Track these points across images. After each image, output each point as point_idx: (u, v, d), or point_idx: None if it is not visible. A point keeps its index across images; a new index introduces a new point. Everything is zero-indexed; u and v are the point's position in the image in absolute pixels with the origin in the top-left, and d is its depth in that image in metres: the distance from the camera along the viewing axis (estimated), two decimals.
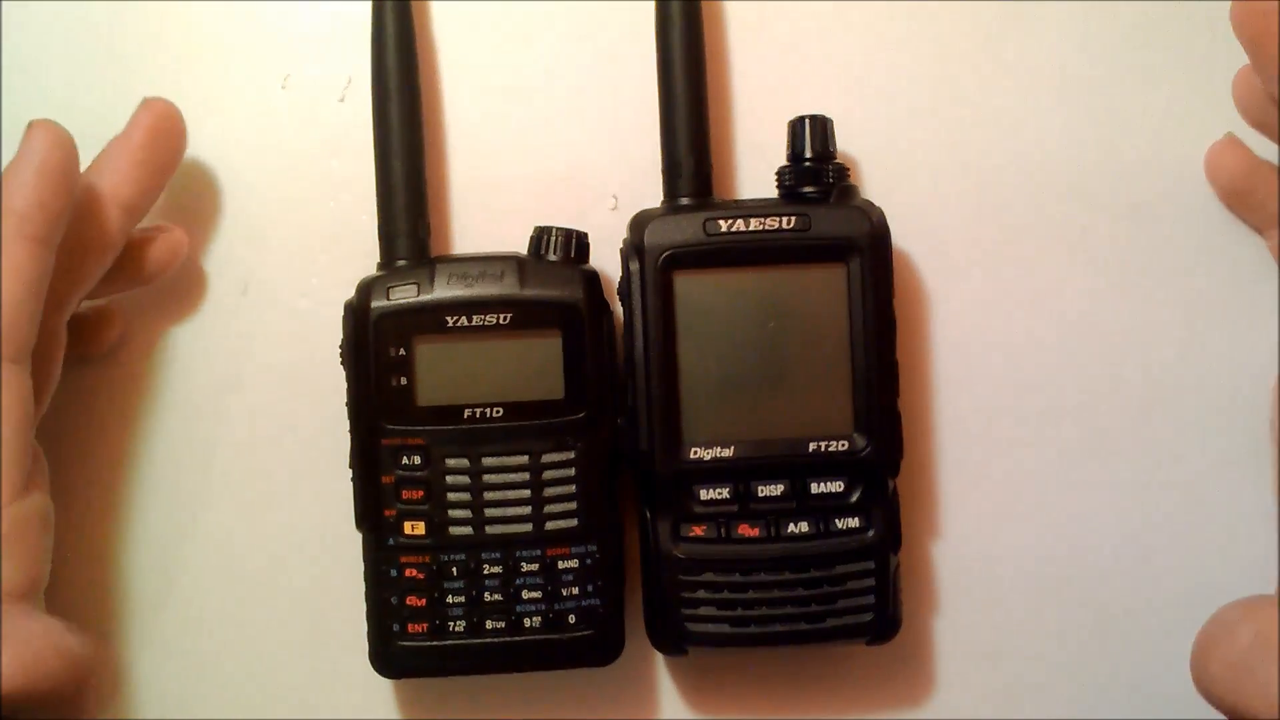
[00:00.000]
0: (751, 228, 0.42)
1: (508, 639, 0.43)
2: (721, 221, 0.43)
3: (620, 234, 0.44)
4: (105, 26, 0.47)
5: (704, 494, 0.43)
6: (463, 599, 0.43)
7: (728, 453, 0.43)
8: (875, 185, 0.46)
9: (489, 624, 0.43)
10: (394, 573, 0.43)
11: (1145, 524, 0.47)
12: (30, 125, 0.40)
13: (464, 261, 0.43)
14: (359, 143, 0.45)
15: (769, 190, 0.44)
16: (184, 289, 0.46)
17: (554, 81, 0.47)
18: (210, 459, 0.46)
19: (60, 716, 0.37)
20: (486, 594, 0.43)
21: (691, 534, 0.43)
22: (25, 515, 0.39)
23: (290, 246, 0.46)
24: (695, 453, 0.43)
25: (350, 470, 0.43)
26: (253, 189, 0.46)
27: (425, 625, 0.43)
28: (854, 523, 0.43)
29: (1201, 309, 0.47)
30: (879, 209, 0.43)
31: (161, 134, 0.44)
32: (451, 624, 0.43)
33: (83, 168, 0.42)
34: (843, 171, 0.44)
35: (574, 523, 0.43)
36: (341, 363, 0.43)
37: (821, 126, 0.44)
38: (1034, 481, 0.47)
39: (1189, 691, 0.46)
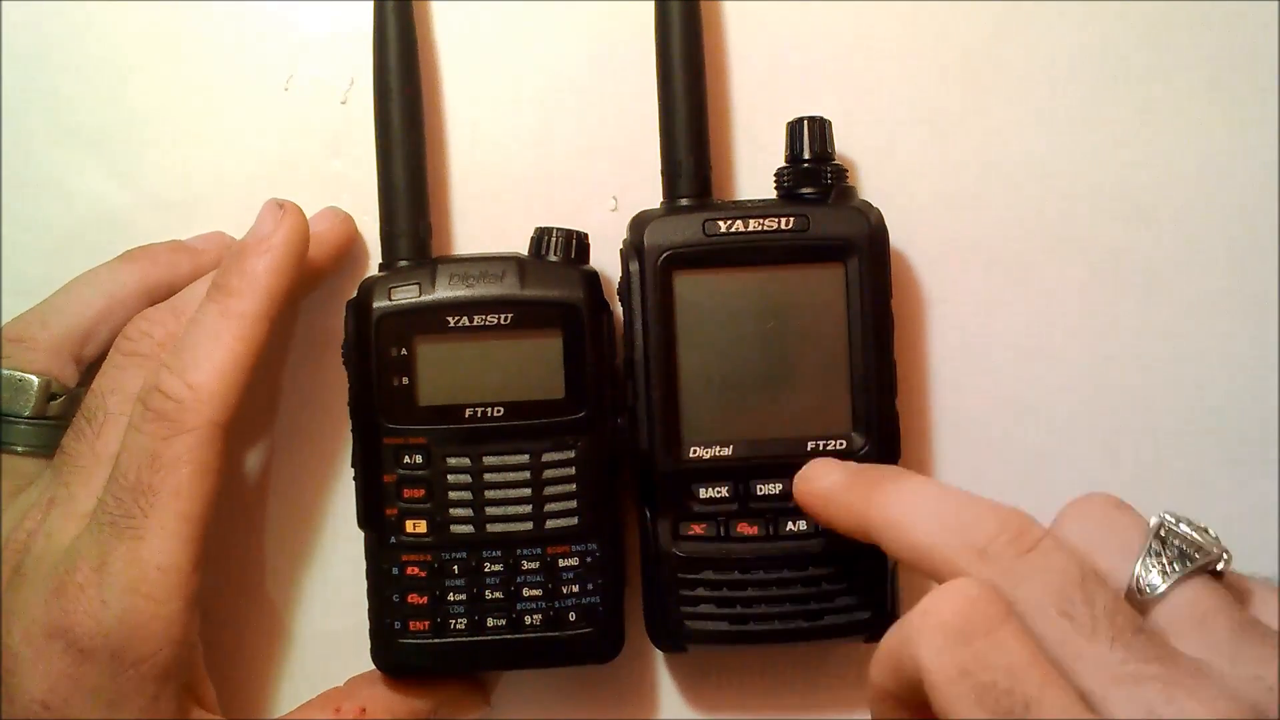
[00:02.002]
0: (750, 228, 0.43)
1: (508, 636, 0.43)
2: (721, 222, 0.43)
3: (620, 234, 0.44)
4: (106, 27, 0.47)
5: (703, 493, 0.43)
6: (464, 597, 0.43)
7: (727, 452, 0.43)
8: (873, 186, 0.46)
9: (490, 621, 0.43)
10: (395, 571, 0.43)
11: None
12: (283, 208, 0.42)
13: (465, 262, 0.43)
14: (361, 143, 0.45)
15: (768, 191, 0.45)
16: None
17: (554, 81, 0.47)
18: None
19: None
20: (487, 592, 0.43)
21: (691, 532, 0.43)
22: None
23: None
24: (695, 452, 0.43)
25: (352, 469, 0.43)
26: (255, 190, 0.47)
27: (427, 623, 0.43)
28: None
29: (1201, 309, 0.47)
30: (877, 210, 0.43)
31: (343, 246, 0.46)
32: (453, 621, 0.43)
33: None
34: (841, 172, 0.44)
35: (574, 521, 0.43)
36: (343, 363, 0.43)
37: (820, 128, 0.44)
38: (1031, 481, 0.47)
39: None
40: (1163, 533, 0.32)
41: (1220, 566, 0.32)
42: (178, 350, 0.40)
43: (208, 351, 0.40)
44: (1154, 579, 0.31)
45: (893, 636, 0.33)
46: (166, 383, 0.39)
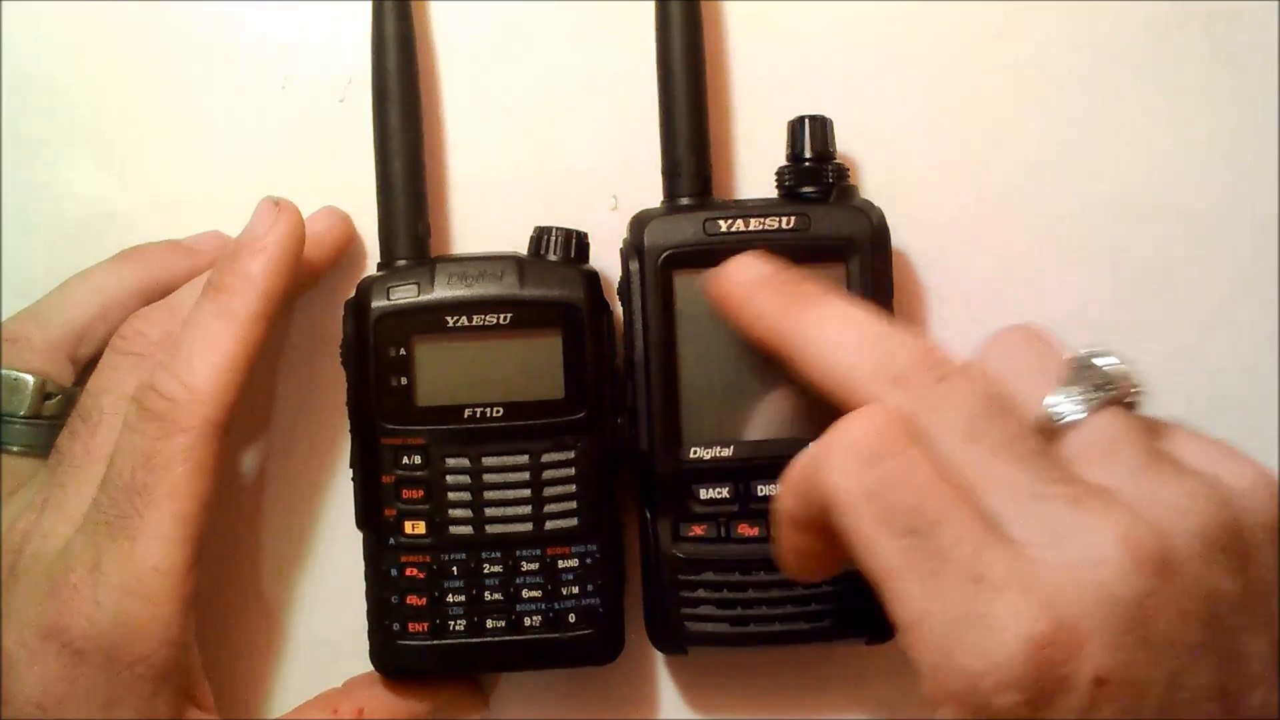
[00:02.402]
0: (751, 228, 0.43)
1: (508, 638, 0.43)
2: (721, 221, 0.43)
3: (620, 234, 0.44)
4: (105, 27, 0.47)
5: (704, 493, 0.43)
6: (463, 598, 0.43)
7: (727, 452, 0.43)
8: (875, 185, 0.46)
9: (489, 623, 0.43)
10: (394, 572, 0.43)
11: None
12: (278, 206, 0.42)
13: (464, 261, 0.43)
14: (359, 143, 0.45)
15: (768, 190, 0.44)
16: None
17: (554, 81, 0.47)
18: None
19: None
20: (487, 593, 0.43)
21: (691, 533, 0.43)
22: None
23: None
24: (695, 452, 0.43)
25: (350, 470, 0.43)
26: (253, 190, 0.46)
27: (426, 624, 0.43)
28: None
29: (1202, 308, 0.47)
30: (878, 209, 0.43)
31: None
32: (452, 623, 0.43)
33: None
34: (842, 171, 0.44)
35: (574, 522, 0.43)
36: (342, 363, 0.43)
37: (821, 127, 0.44)
38: None
39: None
40: (1079, 363, 0.32)
41: (1133, 399, 0.32)
42: (173, 349, 0.40)
43: (203, 351, 0.40)
44: (1066, 407, 0.32)
45: (802, 461, 0.33)
46: (162, 382, 0.39)
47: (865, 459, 0.31)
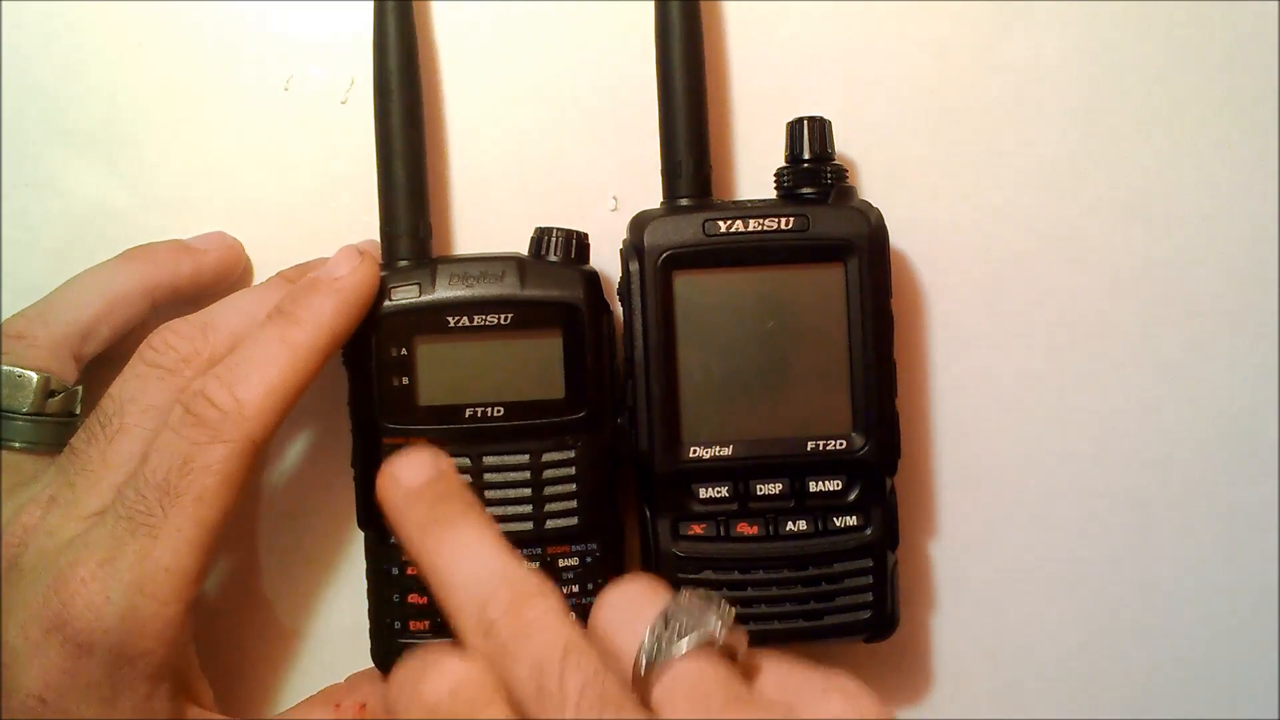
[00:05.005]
0: (750, 228, 0.43)
1: None
2: (721, 222, 0.43)
3: (620, 234, 0.44)
4: (106, 27, 0.47)
5: (703, 493, 0.43)
6: None
7: (727, 452, 0.43)
8: (873, 186, 0.46)
9: None
10: (395, 571, 0.43)
11: (1143, 522, 0.48)
12: (360, 254, 0.42)
13: (465, 262, 0.43)
14: (361, 144, 0.45)
15: (768, 191, 0.45)
16: None
17: (554, 82, 0.47)
18: None
19: None
20: None
21: (691, 532, 0.43)
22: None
23: (292, 248, 0.46)
24: (695, 452, 0.43)
25: (352, 469, 0.43)
26: (255, 191, 0.47)
27: (426, 623, 0.43)
28: (852, 521, 0.43)
29: (1201, 309, 0.47)
30: (877, 210, 0.43)
31: None
32: None
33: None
34: (841, 172, 0.44)
35: (574, 521, 0.43)
36: (343, 362, 0.43)
37: (820, 128, 0.44)
38: (1030, 480, 0.47)
39: (1187, 690, 0.47)
40: (670, 610, 0.33)
41: (717, 638, 0.33)
42: (229, 364, 0.40)
43: (260, 371, 0.40)
44: (652, 654, 0.32)
45: (388, 695, 0.34)
46: (214, 391, 0.40)
47: (438, 716, 0.32)
